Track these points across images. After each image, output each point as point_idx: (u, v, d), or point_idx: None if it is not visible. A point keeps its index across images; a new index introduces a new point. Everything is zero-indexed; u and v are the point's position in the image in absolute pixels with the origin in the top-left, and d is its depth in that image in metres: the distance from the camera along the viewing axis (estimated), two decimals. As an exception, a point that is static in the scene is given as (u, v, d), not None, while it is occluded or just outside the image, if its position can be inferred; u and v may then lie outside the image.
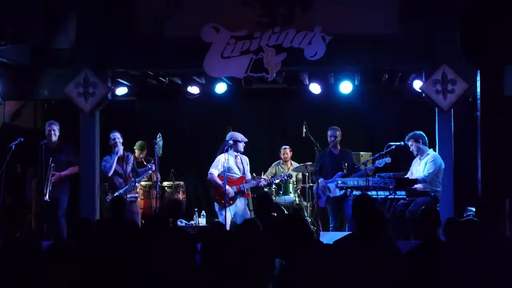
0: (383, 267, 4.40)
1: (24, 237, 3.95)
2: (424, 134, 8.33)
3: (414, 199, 7.97)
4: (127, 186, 8.74)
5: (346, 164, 8.61)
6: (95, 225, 6.15)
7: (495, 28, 7.72)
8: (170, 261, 5.17)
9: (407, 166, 8.64)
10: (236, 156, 8.66)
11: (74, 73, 8.58)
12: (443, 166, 8.13)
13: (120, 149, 8.76)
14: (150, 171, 9.04)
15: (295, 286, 4.02)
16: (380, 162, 8.35)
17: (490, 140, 7.92)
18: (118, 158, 8.73)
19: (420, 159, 8.33)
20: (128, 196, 8.50)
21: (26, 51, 8.73)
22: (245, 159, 8.78)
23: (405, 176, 8.31)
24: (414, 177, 8.24)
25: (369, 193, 7.76)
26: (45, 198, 8.29)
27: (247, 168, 8.78)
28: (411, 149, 8.34)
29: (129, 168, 8.89)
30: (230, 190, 8.41)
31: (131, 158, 9.01)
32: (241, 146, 8.64)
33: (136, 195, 8.95)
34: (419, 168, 8.28)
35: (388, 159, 8.34)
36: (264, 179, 9.22)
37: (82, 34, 8.67)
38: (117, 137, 8.75)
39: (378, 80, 9.98)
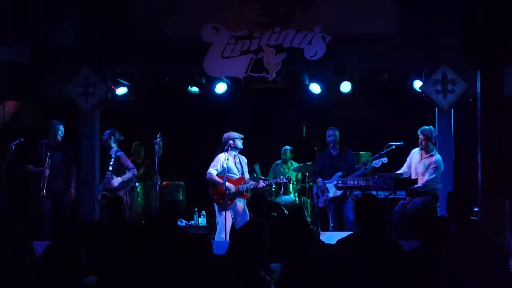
0: (388, 267, 4.38)
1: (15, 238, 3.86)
2: (437, 136, 8.25)
3: (413, 199, 7.97)
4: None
5: (345, 164, 8.61)
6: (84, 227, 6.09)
7: (495, 28, 7.73)
8: (169, 261, 5.16)
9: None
10: (235, 156, 8.58)
11: (74, 73, 8.60)
12: (443, 169, 8.12)
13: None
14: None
15: (297, 286, 4.02)
16: (377, 162, 8.33)
17: (490, 140, 7.93)
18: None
19: (422, 155, 8.23)
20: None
21: (27, 51, 8.75)
22: (244, 160, 8.70)
23: (401, 169, 8.31)
24: (411, 170, 8.22)
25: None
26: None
27: (246, 168, 8.71)
28: (419, 141, 8.17)
29: (109, 167, 8.35)
30: (230, 185, 8.34)
31: (114, 156, 8.41)
32: (239, 142, 8.53)
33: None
34: (419, 166, 8.19)
35: (385, 159, 8.31)
36: (264, 180, 9.17)
37: (82, 34, 8.68)
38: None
39: (378, 80, 9.97)
